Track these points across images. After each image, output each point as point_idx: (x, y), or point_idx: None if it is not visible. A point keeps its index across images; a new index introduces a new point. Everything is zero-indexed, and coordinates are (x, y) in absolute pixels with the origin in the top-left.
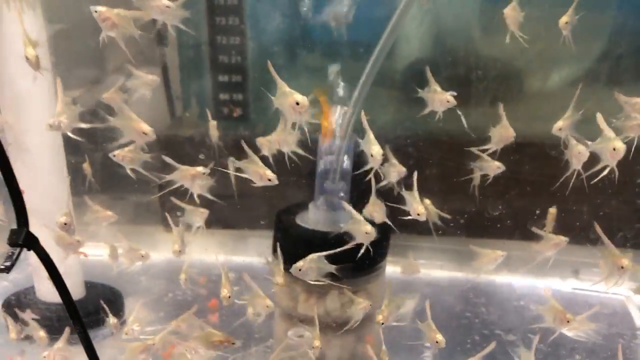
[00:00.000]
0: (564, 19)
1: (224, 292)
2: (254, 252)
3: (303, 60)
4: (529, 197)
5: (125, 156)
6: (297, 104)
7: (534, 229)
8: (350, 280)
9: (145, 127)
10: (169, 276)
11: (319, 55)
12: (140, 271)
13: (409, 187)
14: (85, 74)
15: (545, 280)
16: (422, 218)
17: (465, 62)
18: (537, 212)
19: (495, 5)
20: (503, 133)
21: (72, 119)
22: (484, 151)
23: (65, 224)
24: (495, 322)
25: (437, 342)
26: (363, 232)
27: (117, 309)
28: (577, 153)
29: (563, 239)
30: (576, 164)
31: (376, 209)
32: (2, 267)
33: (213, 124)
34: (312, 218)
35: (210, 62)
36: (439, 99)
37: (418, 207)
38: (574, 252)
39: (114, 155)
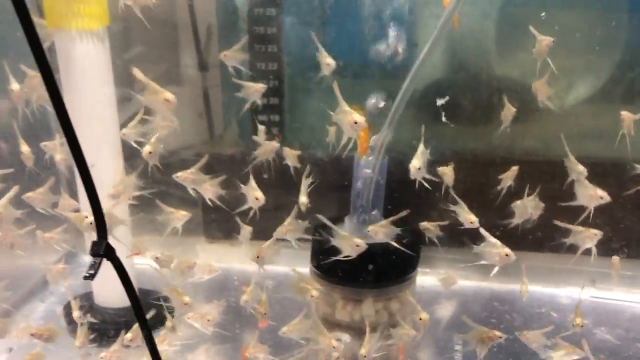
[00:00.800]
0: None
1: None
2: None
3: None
4: (550, 212)
5: (187, 177)
6: (355, 122)
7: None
8: (385, 288)
9: (169, 95)
10: (213, 285)
11: (350, 77)
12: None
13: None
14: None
15: (565, 289)
16: (476, 225)
17: (485, 82)
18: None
19: (512, 27)
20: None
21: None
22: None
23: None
24: (519, 327)
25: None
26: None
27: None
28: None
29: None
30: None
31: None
32: (87, 275)
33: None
34: (348, 231)
35: None
36: None
37: (470, 216)
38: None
39: (177, 177)
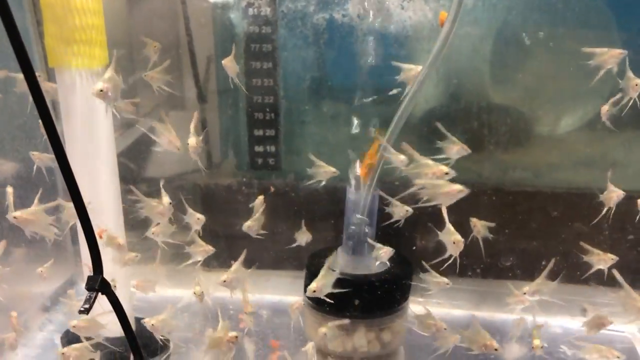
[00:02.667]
0: None
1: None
2: (282, 291)
3: (333, 114)
4: (541, 242)
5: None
6: (446, 173)
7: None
8: (377, 318)
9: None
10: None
11: (348, 109)
12: (183, 308)
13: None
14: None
15: (556, 318)
16: (460, 247)
17: (478, 109)
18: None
19: (506, 53)
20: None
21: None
22: None
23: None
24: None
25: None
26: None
27: (164, 344)
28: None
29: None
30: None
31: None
32: (82, 309)
33: None
34: (341, 262)
35: (247, 117)
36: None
37: (454, 236)
38: (582, 292)
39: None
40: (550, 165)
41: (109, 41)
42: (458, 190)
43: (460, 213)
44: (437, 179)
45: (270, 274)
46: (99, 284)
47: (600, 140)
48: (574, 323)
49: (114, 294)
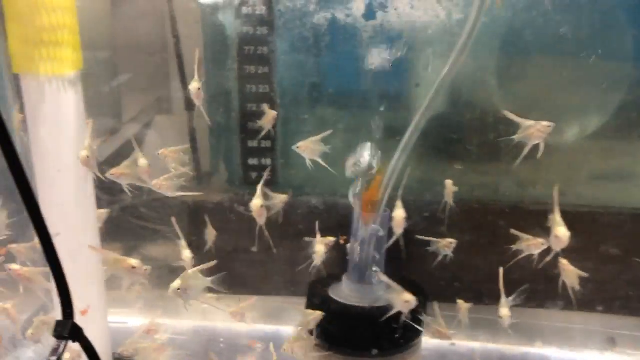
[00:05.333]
0: None
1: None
2: (282, 320)
3: (334, 123)
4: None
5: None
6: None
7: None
8: (388, 356)
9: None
10: (196, 348)
11: (351, 118)
12: (167, 342)
13: None
14: (101, 123)
15: (583, 352)
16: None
17: (485, 118)
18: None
19: (512, 60)
20: None
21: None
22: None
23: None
24: None
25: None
26: (403, 301)
27: None
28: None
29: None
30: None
31: None
32: None
33: None
34: (346, 291)
35: (240, 128)
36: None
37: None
38: (611, 321)
39: None
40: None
41: (90, 43)
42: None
43: None
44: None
45: (266, 300)
46: (69, 331)
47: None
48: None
49: (87, 339)
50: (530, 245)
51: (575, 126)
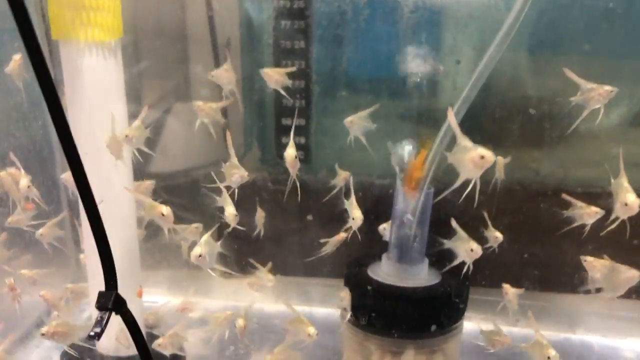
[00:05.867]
0: None
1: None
2: (318, 302)
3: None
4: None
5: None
6: (482, 157)
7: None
8: (427, 339)
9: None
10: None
11: (383, 98)
12: (199, 322)
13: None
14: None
15: (627, 340)
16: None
17: (512, 102)
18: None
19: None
20: None
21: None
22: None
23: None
24: None
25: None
26: (468, 249)
27: None
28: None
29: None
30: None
31: None
32: (92, 334)
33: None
34: (385, 270)
35: (274, 105)
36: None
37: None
38: None
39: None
40: None
41: None
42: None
43: None
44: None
45: (299, 281)
46: (112, 302)
47: None
48: None
49: (130, 313)
50: (584, 214)
51: None
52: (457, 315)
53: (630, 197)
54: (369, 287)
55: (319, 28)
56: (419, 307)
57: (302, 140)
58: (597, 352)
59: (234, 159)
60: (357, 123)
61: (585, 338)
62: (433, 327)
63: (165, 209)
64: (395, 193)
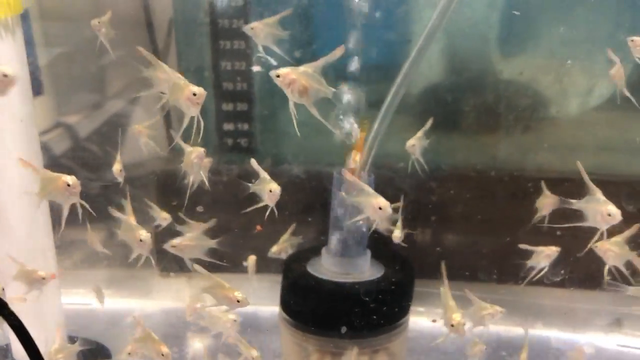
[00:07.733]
0: None
1: None
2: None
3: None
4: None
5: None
6: (194, 94)
7: (522, 246)
8: (369, 338)
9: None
10: (167, 330)
11: (332, 79)
12: (132, 324)
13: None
14: (85, 98)
15: (586, 335)
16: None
17: (486, 86)
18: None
19: (514, 26)
20: None
21: None
22: None
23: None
24: None
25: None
26: (375, 206)
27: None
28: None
29: (554, 249)
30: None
31: None
32: None
33: None
34: (325, 265)
35: (214, 89)
36: None
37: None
38: (616, 301)
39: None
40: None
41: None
42: None
43: None
44: None
45: (243, 278)
46: None
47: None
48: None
49: (15, 315)
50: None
51: None
52: (401, 311)
53: (612, 209)
54: (305, 283)
55: (258, 5)
56: (358, 304)
57: (246, 126)
58: (555, 347)
59: (264, 174)
60: (262, 30)
61: (541, 333)
62: (373, 325)
63: (71, 178)
64: (334, 181)
